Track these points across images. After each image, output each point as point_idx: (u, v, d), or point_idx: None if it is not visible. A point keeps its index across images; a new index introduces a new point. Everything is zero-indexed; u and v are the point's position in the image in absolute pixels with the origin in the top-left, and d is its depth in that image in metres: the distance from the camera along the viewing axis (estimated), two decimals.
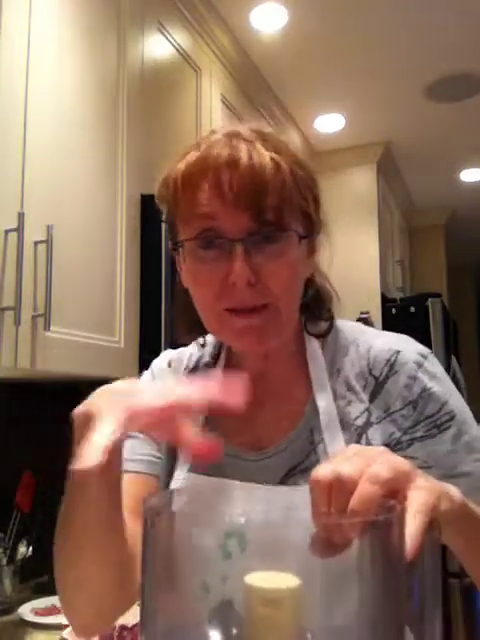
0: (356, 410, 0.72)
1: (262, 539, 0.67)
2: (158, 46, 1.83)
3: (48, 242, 1.26)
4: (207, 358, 0.85)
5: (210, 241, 0.69)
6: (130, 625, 1.19)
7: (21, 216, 1.21)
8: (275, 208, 0.67)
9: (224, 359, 0.83)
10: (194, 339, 0.85)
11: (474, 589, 2.86)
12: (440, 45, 2.46)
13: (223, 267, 0.68)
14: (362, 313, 2.98)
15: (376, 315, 3.16)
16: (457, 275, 5.00)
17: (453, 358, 3.29)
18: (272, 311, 0.69)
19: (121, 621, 1.20)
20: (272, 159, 0.68)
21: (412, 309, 3.25)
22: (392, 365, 0.73)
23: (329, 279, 0.81)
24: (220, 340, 0.80)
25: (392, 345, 0.74)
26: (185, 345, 0.89)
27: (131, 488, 0.76)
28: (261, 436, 0.75)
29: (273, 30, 2.33)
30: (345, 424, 0.71)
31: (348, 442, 0.70)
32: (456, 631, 2.50)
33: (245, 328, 0.69)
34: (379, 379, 0.73)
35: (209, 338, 0.86)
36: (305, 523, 0.65)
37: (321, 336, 0.79)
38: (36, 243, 1.25)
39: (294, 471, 0.71)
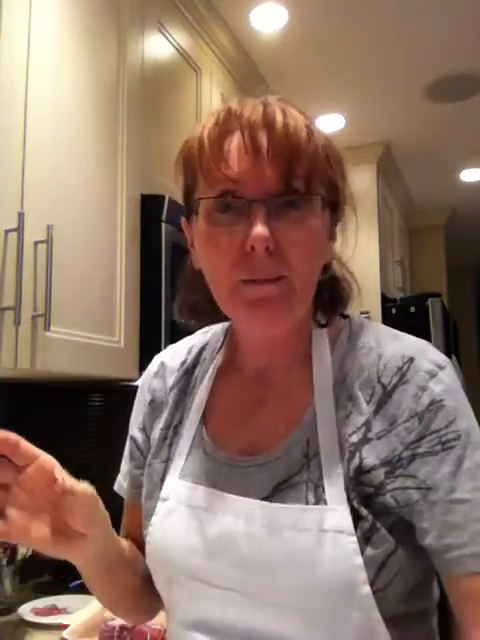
0: (353, 425, 0.65)
1: (242, 554, 0.65)
2: (158, 46, 1.83)
3: (48, 242, 1.26)
4: (209, 351, 0.81)
5: (228, 204, 0.64)
6: (130, 625, 1.19)
7: (21, 216, 1.21)
8: (305, 174, 0.64)
9: (224, 353, 0.79)
10: (198, 321, 0.81)
11: None
12: (440, 45, 2.45)
13: (242, 231, 0.63)
14: (362, 313, 2.98)
15: (376, 315, 3.16)
16: (457, 275, 5.00)
17: (453, 358, 3.29)
18: (287, 284, 0.64)
19: (121, 621, 1.20)
20: (306, 125, 0.65)
21: (412, 309, 3.25)
22: (403, 374, 0.66)
23: (351, 271, 0.76)
24: (231, 316, 0.73)
25: (407, 352, 0.67)
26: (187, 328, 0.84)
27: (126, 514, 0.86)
28: (256, 440, 0.71)
29: (273, 30, 2.33)
30: (341, 438, 0.65)
31: (341, 459, 0.64)
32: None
33: (259, 300, 0.64)
34: (387, 388, 0.66)
35: (215, 327, 0.83)
36: (286, 543, 0.63)
37: (323, 326, 0.74)
38: (36, 243, 1.25)
39: (283, 485, 0.65)
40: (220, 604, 0.66)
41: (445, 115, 3.01)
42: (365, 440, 0.64)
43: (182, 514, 0.70)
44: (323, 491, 0.63)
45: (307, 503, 0.63)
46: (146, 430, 0.82)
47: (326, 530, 0.61)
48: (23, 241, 1.20)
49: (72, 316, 1.37)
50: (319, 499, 0.63)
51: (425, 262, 4.40)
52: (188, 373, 0.81)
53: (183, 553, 0.68)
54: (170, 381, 0.81)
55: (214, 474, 0.70)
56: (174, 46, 1.94)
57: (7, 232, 1.19)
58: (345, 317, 0.76)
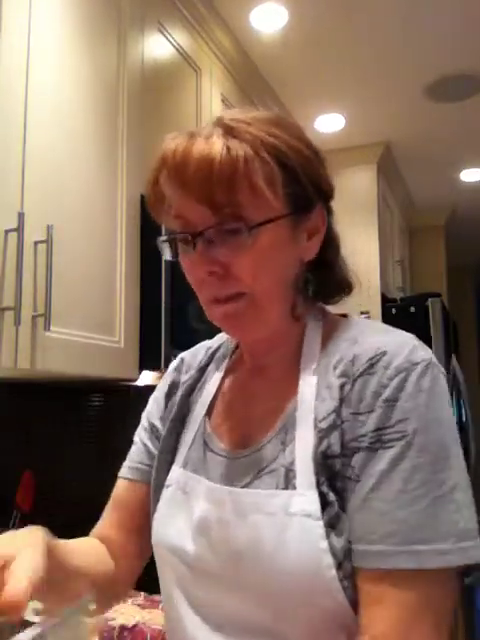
0: (325, 411, 0.66)
1: (213, 539, 0.68)
2: (158, 46, 1.83)
3: (48, 242, 1.26)
4: (222, 351, 0.87)
5: (180, 239, 0.70)
6: (130, 625, 1.19)
7: (21, 216, 1.21)
8: (229, 200, 0.65)
9: (236, 354, 0.84)
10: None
11: (474, 589, 2.86)
12: (440, 45, 2.45)
13: (193, 260, 0.69)
14: (362, 313, 2.98)
15: (376, 315, 3.16)
16: (457, 275, 5.00)
17: (453, 358, 3.29)
18: (248, 299, 0.69)
19: (121, 621, 1.20)
20: (224, 147, 0.64)
21: (412, 309, 3.25)
22: (372, 365, 0.65)
23: (345, 264, 0.79)
24: None
25: (383, 346, 0.66)
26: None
27: (119, 492, 0.86)
28: (249, 433, 0.74)
29: (273, 30, 2.33)
30: (315, 424, 0.66)
31: (313, 445, 0.65)
32: (456, 630, 2.50)
33: (224, 316, 0.70)
34: (354, 377, 0.66)
35: None
36: (252, 528, 0.65)
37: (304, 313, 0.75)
38: (36, 243, 1.25)
39: (262, 472, 0.68)
40: (206, 586, 0.69)
41: (445, 115, 3.01)
42: (334, 426, 0.65)
43: (178, 500, 0.75)
44: (294, 476, 0.65)
45: (277, 488, 0.66)
46: (163, 420, 0.86)
47: (293, 514, 0.63)
48: (23, 241, 1.20)
49: (72, 316, 1.37)
50: (288, 484, 0.65)
51: (425, 262, 4.40)
52: (202, 370, 0.86)
53: (175, 537, 0.73)
54: (185, 377, 0.87)
55: (209, 464, 0.75)
56: (174, 46, 1.94)
57: (7, 232, 1.19)
58: (344, 316, 0.77)
